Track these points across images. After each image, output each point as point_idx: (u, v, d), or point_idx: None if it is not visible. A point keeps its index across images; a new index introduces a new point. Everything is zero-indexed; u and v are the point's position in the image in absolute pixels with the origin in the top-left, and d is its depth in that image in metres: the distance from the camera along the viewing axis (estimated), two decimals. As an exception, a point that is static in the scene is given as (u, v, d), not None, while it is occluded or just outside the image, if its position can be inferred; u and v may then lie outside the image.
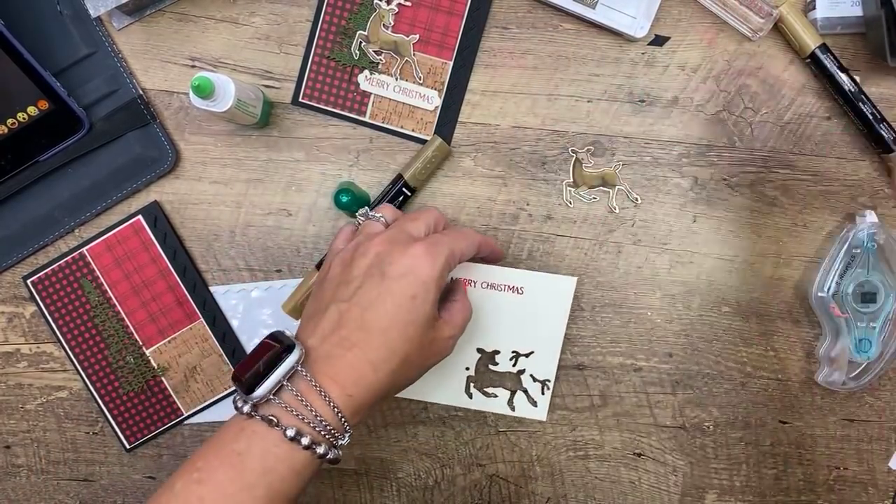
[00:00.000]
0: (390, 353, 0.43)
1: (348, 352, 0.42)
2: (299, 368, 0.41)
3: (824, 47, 0.55)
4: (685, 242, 0.59)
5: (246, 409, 0.41)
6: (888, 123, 0.56)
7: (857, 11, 0.55)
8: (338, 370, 0.42)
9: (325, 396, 0.41)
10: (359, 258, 0.45)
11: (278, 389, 0.41)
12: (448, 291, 0.52)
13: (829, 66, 0.55)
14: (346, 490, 0.62)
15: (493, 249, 0.53)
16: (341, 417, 0.41)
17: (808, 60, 0.56)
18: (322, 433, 0.41)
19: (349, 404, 0.42)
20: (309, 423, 0.41)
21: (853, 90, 0.55)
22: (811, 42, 0.55)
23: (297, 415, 0.41)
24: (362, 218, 0.50)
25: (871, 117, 0.56)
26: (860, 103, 0.56)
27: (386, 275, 0.44)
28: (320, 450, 0.41)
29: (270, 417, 0.40)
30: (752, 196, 0.59)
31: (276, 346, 0.41)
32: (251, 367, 0.41)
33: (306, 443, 0.40)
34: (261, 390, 0.40)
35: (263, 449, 0.40)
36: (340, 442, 0.42)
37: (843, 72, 0.55)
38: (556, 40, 0.58)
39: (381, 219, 0.49)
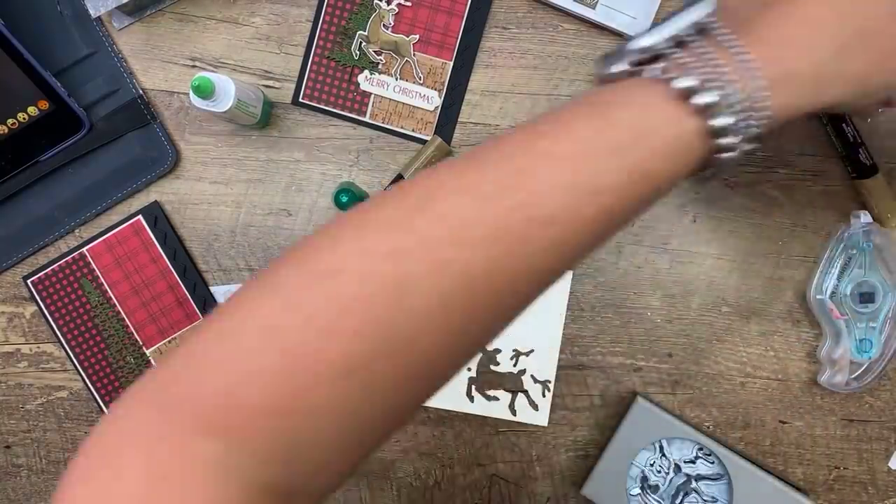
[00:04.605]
0: (837, 14, 0.31)
1: (769, 10, 0.31)
2: (710, 23, 0.30)
3: None
4: (685, 242, 0.59)
5: (616, 68, 0.30)
6: (867, 148, 0.56)
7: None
8: (752, 28, 0.31)
9: (738, 53, 0.29)
10: None
11: (668, 48, 0.30)
12: None
13: None
14: (346, 490, 0.62)
15: None
16: (758, 80, 0.29)
17: None
18: (727, 97, 0.28)
19: (774, 71, 0.29)
20: (712, 80, 0.28)
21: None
22: None
23: (698, 68, 0.29)
24: None
25: (850, 139, 0.55)
26: (843, 124, 0.55)
27: None
28: (719, 120, 0.28)
29: (655, 70, 0.29)
30: (752, 196, 0.59)
31: None
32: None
33: (703, 102, 0.28)
34: (648, 38, 0.29)
35: (643, 104, 0.28)
36: (749, 124, 0.29)
37: None
38: (557, 40, 0.58)
39: None
